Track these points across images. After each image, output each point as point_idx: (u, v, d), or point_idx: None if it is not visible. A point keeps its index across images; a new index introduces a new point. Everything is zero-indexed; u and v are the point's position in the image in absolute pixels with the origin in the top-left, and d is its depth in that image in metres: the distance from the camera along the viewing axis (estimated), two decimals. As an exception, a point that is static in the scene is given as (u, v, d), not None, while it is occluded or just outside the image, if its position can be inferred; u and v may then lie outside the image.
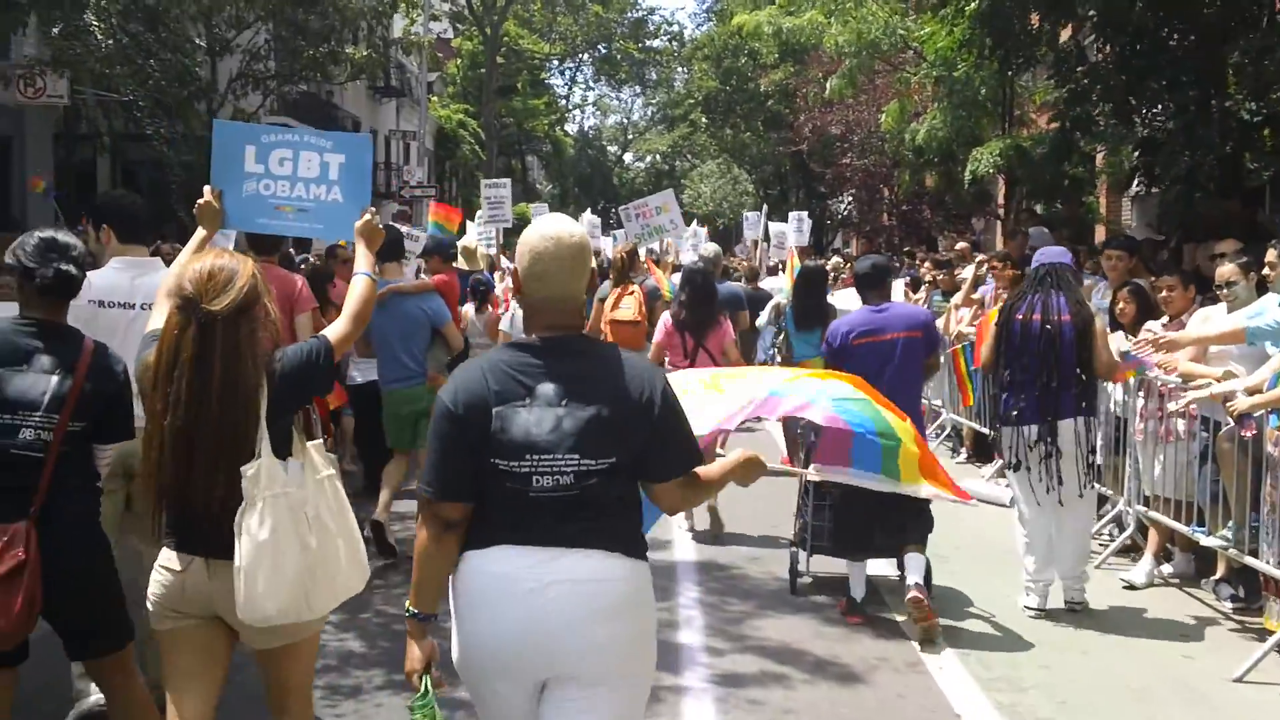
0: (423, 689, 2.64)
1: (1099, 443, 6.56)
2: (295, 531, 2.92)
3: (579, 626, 2.56)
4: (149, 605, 3.08)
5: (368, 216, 3.64)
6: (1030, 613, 5.91)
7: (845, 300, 9.13)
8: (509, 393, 2.58)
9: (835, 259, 20.43)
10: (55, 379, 3.42)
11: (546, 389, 2.58)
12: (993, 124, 16.06)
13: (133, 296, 4.47)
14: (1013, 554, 6.23)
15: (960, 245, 17.86)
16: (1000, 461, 7.04)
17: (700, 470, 2.75)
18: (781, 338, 8.76)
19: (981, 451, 10.58)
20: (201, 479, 2.92)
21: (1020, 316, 5.85)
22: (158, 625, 3.08)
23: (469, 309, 9.36)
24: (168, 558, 3.03)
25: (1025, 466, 5.84)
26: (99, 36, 15.57)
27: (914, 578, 5.49)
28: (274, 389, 2.95)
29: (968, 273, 11.12)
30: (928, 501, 5.42)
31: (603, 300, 8.64)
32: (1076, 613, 5.93)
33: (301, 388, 3.08)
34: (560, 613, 2.55)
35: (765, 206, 16.75)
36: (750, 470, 2.87)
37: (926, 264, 15.06)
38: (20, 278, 3.54)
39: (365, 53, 17.12)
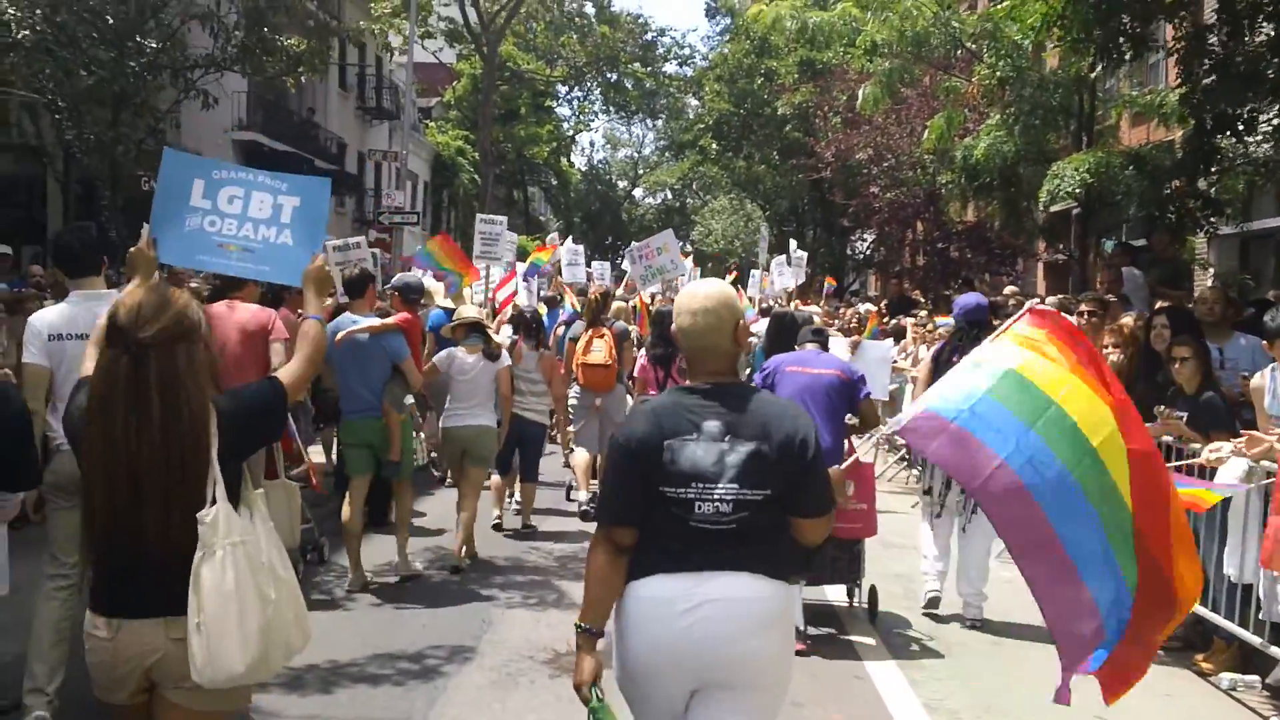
0: (594, 698, 2.83)
1: None
2: (254, 582, 2.78)
3: (727, 640, 2.82)
4: (93, 676, 2.89)
5: (319, 261, 3.56)
6: (932, 593, 6.89)
7: (874, 351, 9.54)
8: (679, 428, 2.88)
9: (866, 306, 17.50)
10: None
11: (712, 426, 2.87)
12: (1062, 140, 13.06)
13: (92, 328, 4.37)
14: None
15: (1009, 289, 15.14)
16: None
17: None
18: (748, 374, 9.14)
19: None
20: (150, 522, 2.77)
21: (955, 360, 6.40)
22: (105, 698, 2.92)
23: (519, 344, 8.81)
24: (93, 624, 2.86)
25: (943, 492, 6.90)
26: (12, 28, 12.92)
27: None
28: (224, 431, 2.83)
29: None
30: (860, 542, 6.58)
31: (574, 340, 9.38)
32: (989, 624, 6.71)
33: (253, 431, 3.02)
34: (710, 628, 2.81)
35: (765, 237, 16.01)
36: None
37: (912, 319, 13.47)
38: None
39: (304, 43, 14.22)
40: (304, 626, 2.96)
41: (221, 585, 2.70)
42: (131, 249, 3.70)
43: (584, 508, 9.13)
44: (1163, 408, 6.41)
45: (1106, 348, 7.36)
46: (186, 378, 2.77)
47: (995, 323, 10.46)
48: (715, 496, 2.81)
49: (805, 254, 17.81)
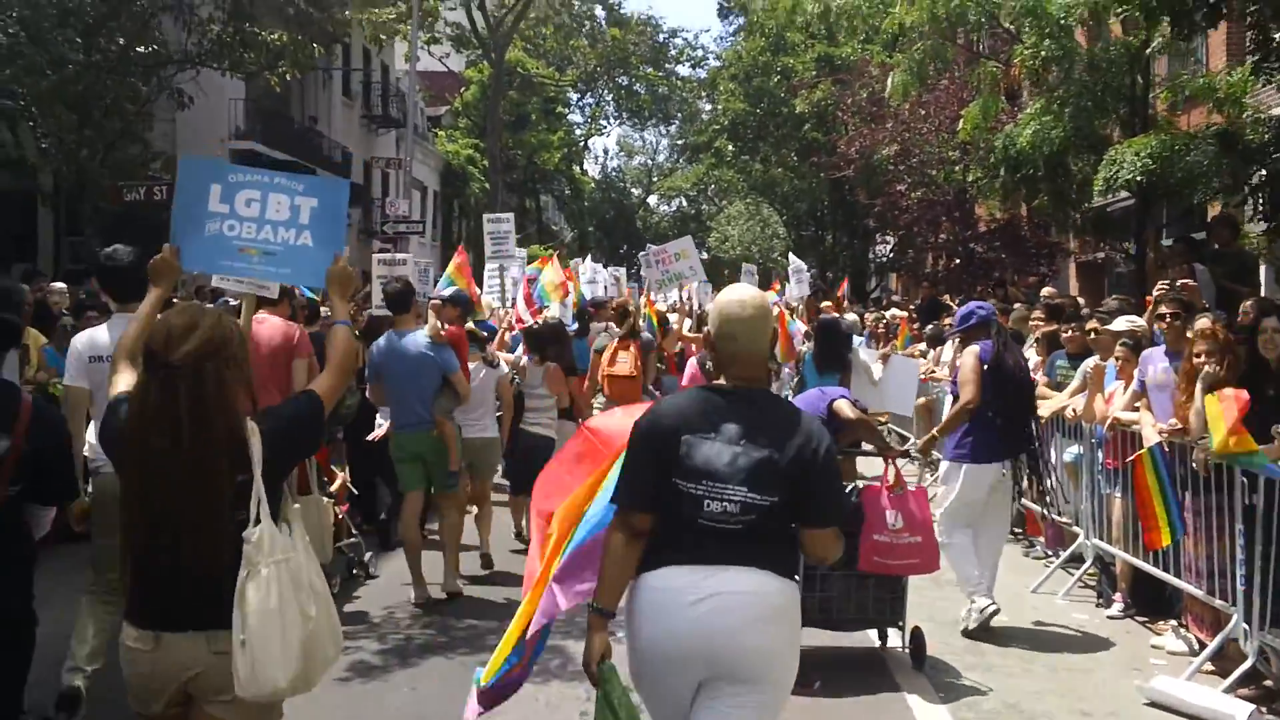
0: (604, 677, 2.92)
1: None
2: (296, 599, 2.82)
3: (735, 632, 2.88)
4: (129, 688, 2.96)
5: (341, 262, 3.60)
6: (990, 607, 6.49)
7: (904, 368, 8.80)
8: (698, 425, 2.97)
9: (893, 311, 16.51)
10: None
11: (729, 428, 2.95)
12: (1110, 126, 11.98)
13: None
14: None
15: (1046, 290, 14.15)
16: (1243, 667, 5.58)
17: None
18: (796, 381, 9.34)
19: (1146, 601, 7.06)
20: (188, 541, 2.81)
21: (1010, 361, 6.67)
22: (140, 709, 2.96)
23: (523, 358, 8.85)
24: (132, 637, 2.90)
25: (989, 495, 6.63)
26: None
27: None
28: (266, 449, 2.86)
29: (1120, 324, 7.76)
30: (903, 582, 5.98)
31: (599, 352, 9.64)
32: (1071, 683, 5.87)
33: (294, 446, 3.09)
34: (719, 620, 2.88)
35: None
36: None
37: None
38: None
39: (284, 36, 13.23)
40: (337, 638, 2.99)
41: (266, 604, 2.74)
42: (154, 258, 3.68)
43: None
44: None
45: (1199, 356, 6.28)
46: (216, 399, 2.79)
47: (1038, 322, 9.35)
48: (724, 496, 2.89)
49: (805, 265, 18.12)
